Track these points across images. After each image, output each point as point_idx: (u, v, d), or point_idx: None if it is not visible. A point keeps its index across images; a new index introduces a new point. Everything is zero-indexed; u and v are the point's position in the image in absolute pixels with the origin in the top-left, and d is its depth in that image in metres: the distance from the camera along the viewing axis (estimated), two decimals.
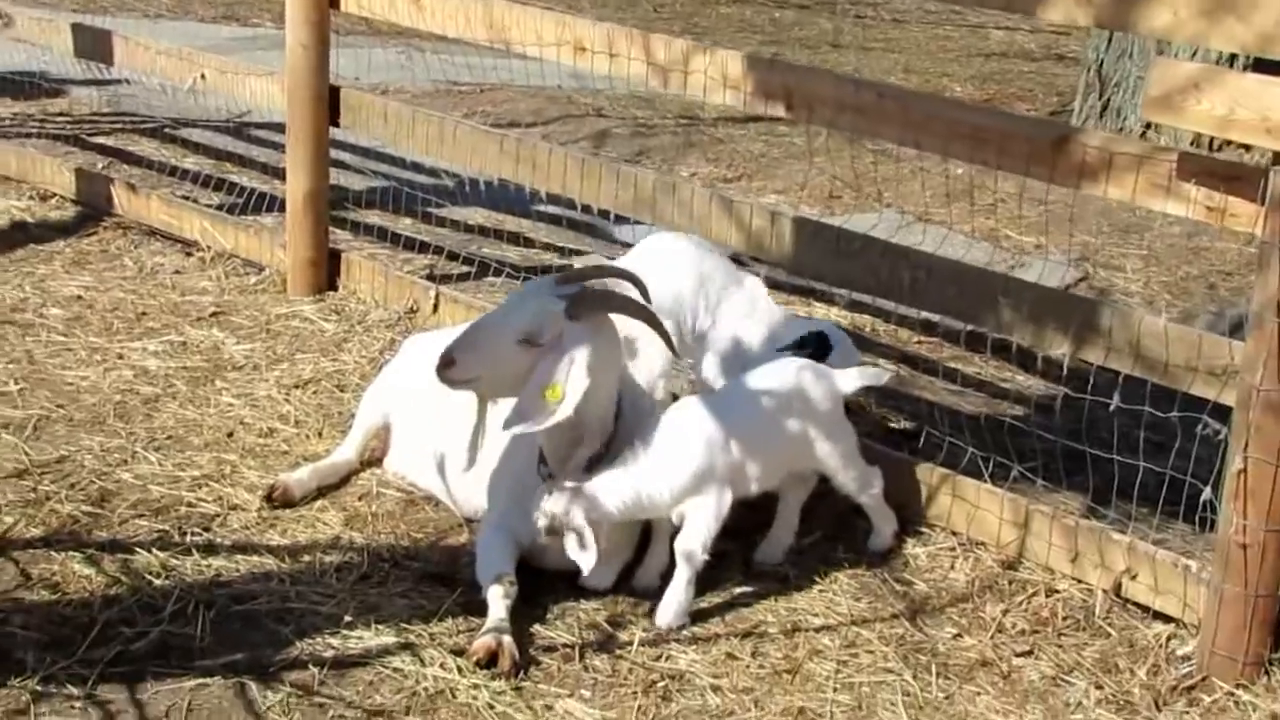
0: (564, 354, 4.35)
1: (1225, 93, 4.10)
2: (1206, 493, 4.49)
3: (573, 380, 4.34)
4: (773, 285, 5.92)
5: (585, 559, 4.36)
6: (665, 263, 5.24)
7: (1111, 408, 4.67)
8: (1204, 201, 4.35)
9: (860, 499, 4.89)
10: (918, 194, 8.78)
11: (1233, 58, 8.08)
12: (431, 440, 5.05)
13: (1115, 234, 8.16)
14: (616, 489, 4.39)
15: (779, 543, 4.88)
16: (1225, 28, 4.20)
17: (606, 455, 4.54)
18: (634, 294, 4.58)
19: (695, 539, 4.47)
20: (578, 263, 6.98)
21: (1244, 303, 7.53)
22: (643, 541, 4.70)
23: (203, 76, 6.93)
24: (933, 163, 8.98)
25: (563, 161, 5.82)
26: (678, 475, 4.42)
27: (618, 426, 4.59)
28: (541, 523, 4.37)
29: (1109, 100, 9.95)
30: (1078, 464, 5.15)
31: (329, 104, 6.45)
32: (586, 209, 7.27)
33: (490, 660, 4.25)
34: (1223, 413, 4.43)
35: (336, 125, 6.53)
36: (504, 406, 4.46)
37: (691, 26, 13.79)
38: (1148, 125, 9.71)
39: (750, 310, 5.31)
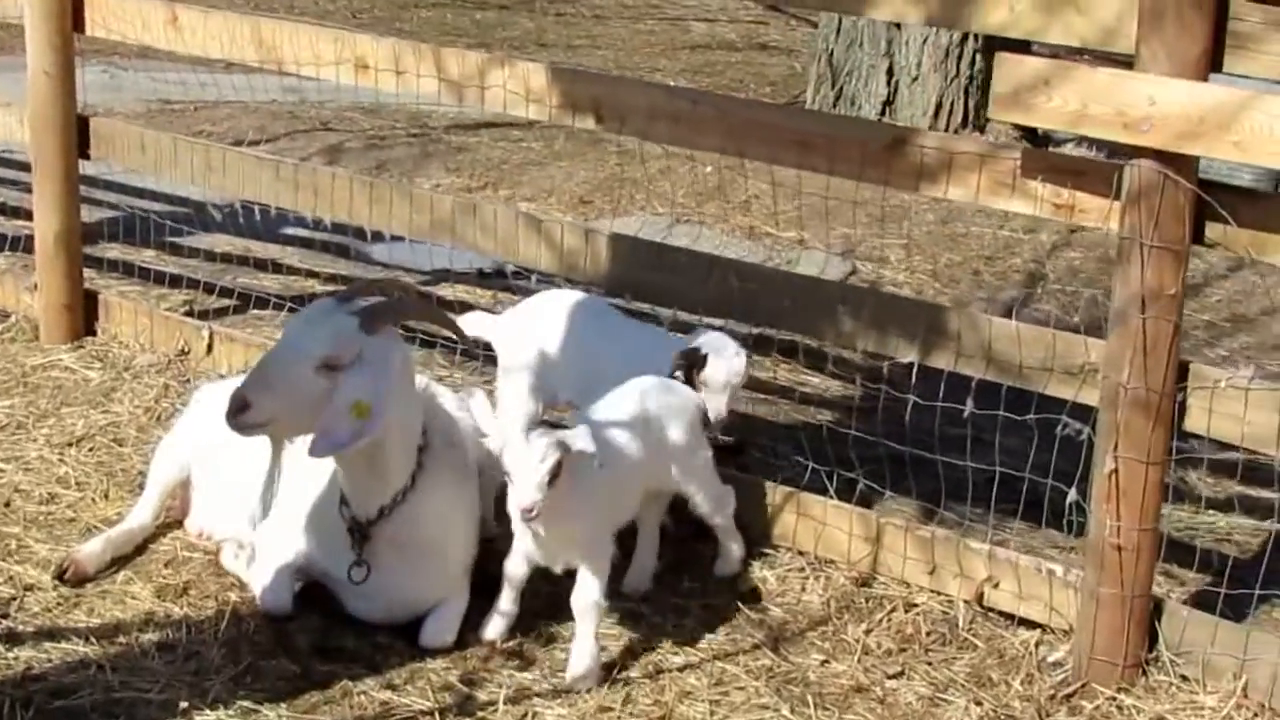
0: (366, 370, 4.09)
1: (1076, 88, 4.00)
2: (1072, 494, 4.41)
3: (382, 393, 4.09)
4: None
5: (528, 493, 3.98)
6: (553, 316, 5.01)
7: (966, 413, 4.56)
8: (1051, 199, 4.25)
9: (714, 520, 4.70)
10: (668, 194, 8.65)
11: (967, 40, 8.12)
12: (241, 494, 4.67)
13: (874, 224, 8.11)
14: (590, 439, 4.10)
15: (645, 568, 4.66)
16: (1064, 21, 4.12)
17: (412, 489, 4.28)
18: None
19: (594, 590, 4.20)
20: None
21: (1009, 287, 7.62)
22: (491, 590, 4.41)
23: None
24: (679, 161, 8.87)
25: (348, 186, 5.48)
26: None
27: (424, 459, 4.33)
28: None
29: (842, 89, 9.97)
30: (905, 469, 5.05)
31: (78, 134, 5.97)
32: (341, 229, 6.95)
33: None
34: (1079, 411, 4.37)
35: (87, 158, 6.06)
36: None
37: (395, 31, 13.42)
38: (881, 113, 9.78)
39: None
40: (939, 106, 9.64)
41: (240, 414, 4.06)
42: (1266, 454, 4.28)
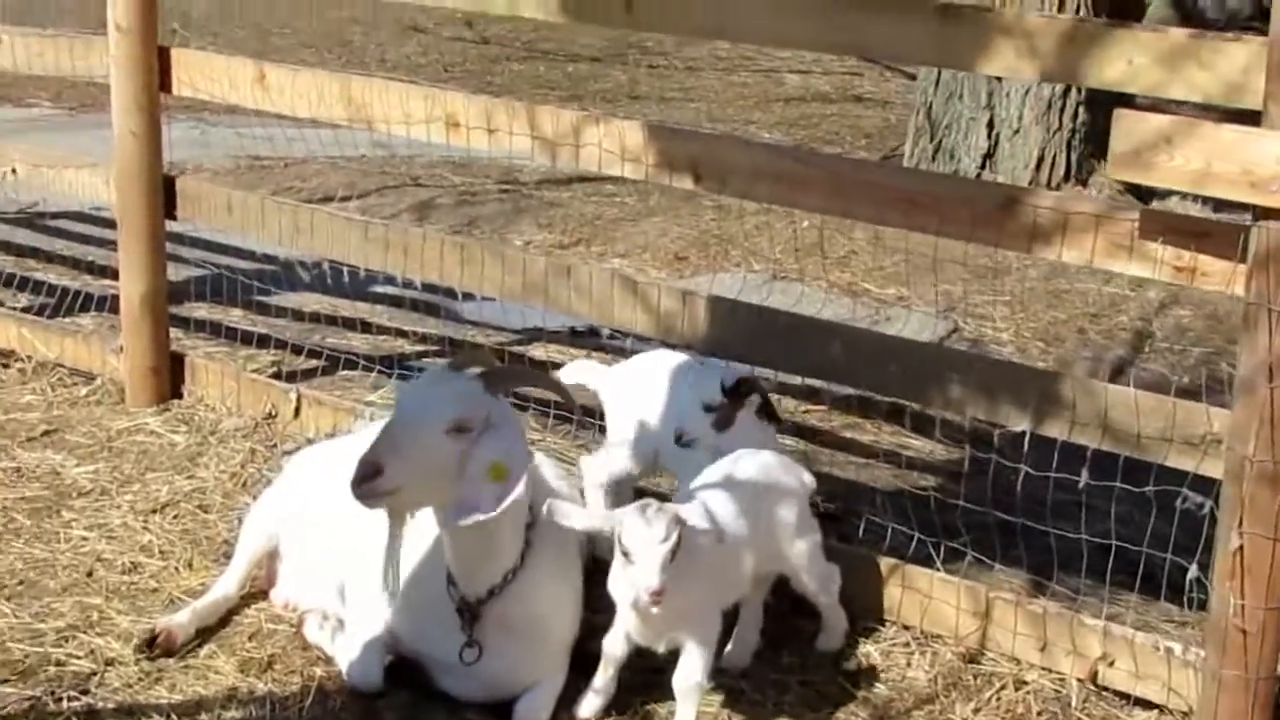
0: (497, 432, 3.93)
1: (1201, 146, 3.79)
2: (1193, 571, 4.19)
3: (517, 455, 3.94)
4: None
5: (655, 575, 3.81)
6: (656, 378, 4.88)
7: (1081, 484, 4.34)
8: (1172, 261, 4.06)
9: (819, 599, 4.51)
10: (766, 250, 8.48)
11: None
12: (333, 566, 4.53)
13: (975, 280, 7.92)
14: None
15: (747, 644, 4.48)
16: (1186, 76, 3.93)
17: (521, 567, 4.11)
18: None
19: (698, 671, 4.03)
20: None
21: (1116, 346, 7.38)
22: (586, 665, 4.24)
23: (13, 171, 6.30)
24: (776, 216, 8.71)
25: (438, 247, 5.35)
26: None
27: (531, 536, 4.16)
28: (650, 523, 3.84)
29: (940, 142, 9.78)
30: (1014, 538, 4.85)
31: (164, 195, 5.89)
32: (430, 288, 6.82)
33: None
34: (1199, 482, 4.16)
35: (173, 218, 5.98)
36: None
37: (486, 85, 13.39)
38: (981, 166, 9.58)
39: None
40: (1040, 160, 9.43)
41: (369, 481, 3.85)
42: None
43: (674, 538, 3.80)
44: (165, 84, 5.81)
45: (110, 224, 6.50)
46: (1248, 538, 3.90)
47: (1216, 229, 4.04)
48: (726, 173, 4.71)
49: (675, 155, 4.78)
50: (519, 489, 3.90)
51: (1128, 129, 3.90)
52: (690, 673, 4.02)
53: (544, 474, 4.50)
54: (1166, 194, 9.39)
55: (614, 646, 4.13)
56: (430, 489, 3.95)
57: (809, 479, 4.49)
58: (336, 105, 5.42)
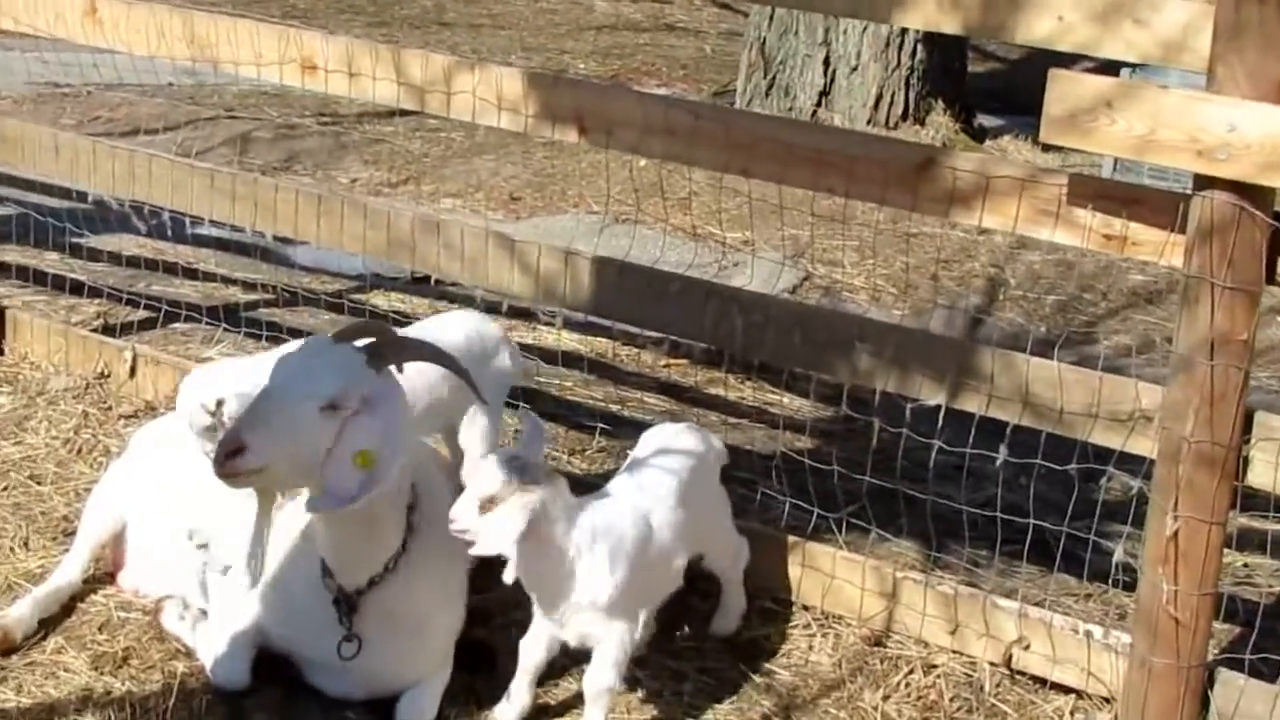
0: (374, 414, 3.58)
1: (1144, 110, 3.58)
2: (1119, 554, 4.03)
3: (394, 440, 3.60)
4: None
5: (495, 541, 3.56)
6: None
7: (998, 461, 4.14)
8: (1101, 229, 3.85)
9: (727, 576, 4.27)
10: (604, 191, 8.17)
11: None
12: (182, 549, 4.15)
13: (821, 224, 7.69)
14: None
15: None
16: (1121, 34, 3.72)
17: (404, 554, 3.78)
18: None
19: (610, 674, 3.74)
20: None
21: (970, 293, 7.23)
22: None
23: None
24: (613, 155, 8.39)
25: (293, 199, 4.95)
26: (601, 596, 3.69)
27: (413, 519, 3.83)
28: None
29: (775, 78, 9.53)
30: (890, 505, 4.65)
31: None
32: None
33: None
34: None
35: None
36: None
37: (290, 9, 12.80)
38: (818, 104, 9.37)
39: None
40: (879, 98, 9.24)
41: (233, 458, 3.49)
42: None
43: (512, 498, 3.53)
44: None
45: None
46: (1184, 521, 3.73)
47: (1150, 196, 3.84)
48: (614, 126, 4.39)
49: (558, 106, 4.45)
50: (390, 478, 3.59)
51: (1063, 92, 3.67)
52: (603, 675, 3.75)
53: (421, 452, 4.15)
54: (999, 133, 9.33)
55: (533, 652, 3.84)
56: (301, 470, 3.60)
57: (720, 447, 4.23)
58: (178, 44, 4.97)
